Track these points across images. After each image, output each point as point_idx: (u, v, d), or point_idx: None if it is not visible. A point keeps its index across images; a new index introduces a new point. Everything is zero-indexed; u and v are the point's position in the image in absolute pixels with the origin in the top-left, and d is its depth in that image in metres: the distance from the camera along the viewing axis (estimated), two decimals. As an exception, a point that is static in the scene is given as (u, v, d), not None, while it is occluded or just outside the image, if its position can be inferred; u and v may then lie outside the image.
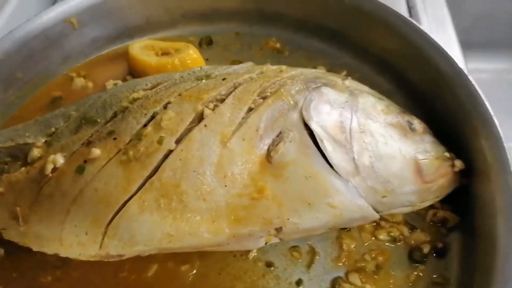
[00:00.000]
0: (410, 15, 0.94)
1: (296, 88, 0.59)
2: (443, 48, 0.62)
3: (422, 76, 0.68)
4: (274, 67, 0.65)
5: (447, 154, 0.58)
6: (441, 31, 0.90)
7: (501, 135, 0.55)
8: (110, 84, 0.69)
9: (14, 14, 0.85)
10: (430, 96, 0.67)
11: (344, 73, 0.77)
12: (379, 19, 0.71)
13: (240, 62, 0.80)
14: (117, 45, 0.82)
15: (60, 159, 0.56)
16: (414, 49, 0.66)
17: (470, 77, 0.58)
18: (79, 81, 0.77)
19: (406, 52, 0.69)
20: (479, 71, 1.73)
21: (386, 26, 0.70)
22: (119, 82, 0.69)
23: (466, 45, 1.82)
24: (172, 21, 0.84)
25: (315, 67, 0.78)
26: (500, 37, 1.72)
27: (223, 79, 0.61)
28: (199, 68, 0.66)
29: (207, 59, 0.81)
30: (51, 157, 0.56)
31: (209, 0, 0.83)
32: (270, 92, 0.59)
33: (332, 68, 0.78)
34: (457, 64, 0.60)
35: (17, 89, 0.73)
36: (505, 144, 0.55)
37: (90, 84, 0.77)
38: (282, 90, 0.59)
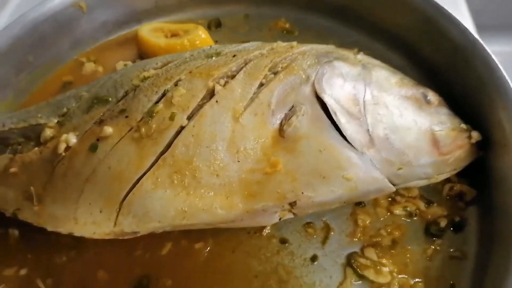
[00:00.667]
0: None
1: (308, 63, 0.59)
2: (456, 19, 0.61)
3: (436, 49, 0.66)
4: (285, 43, 0.65)
5: (463, 126, 0.57)
6: (453, 4, 0.89)
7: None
8: (120, 65, 0.68)
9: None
10: (445, 69, 0.66)
11: (355, 50, 0.75)
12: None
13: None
14: (126, 29, 0.82)
15: (72, 138, 0.56)
16: (426, 21, 0.65)
17: (486, 47, 0.57)
18: (90, 66, 0.77)
19: (418, 25, 0.68)
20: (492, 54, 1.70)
21: (397, 6, 0.69)
22: (129, 63, 0.69)
23: (479, 28, 1.79)
24: (180, 4, 0.84)
25: (326, 46, 0.77)
26: (508, 20, 1.69)
27: (234, 56, 0.60)
28: (209, 47, 0.65)
29: (216, 41, 0.80)
30: (64, 136, 0.55)
31: (216, -18, 0.82)
32: (282, 67, 0.58)
33: (343, 46, 0.76)
34: (472, 34, 0.58)
35: (28, 73, 0.73)
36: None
37: (100, 69, 0.77)
38: (294, 64, 0.58)
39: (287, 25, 0.83)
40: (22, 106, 0.73)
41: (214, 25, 0.84)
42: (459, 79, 0.63)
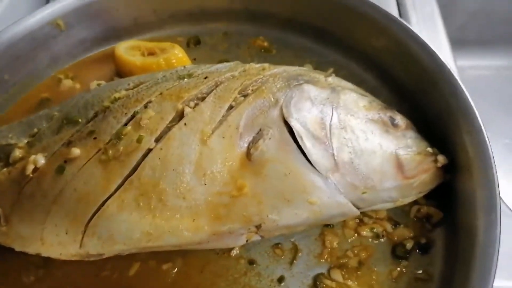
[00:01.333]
0: (400, 13, 0.93)
1: (278, 86, 0.59)
2: (427, 43, 0.62)
3: (406, 71, 0.67)
4: (257, 65, 0.65)
5: (429, 150, 0.58)
6: (431, 27, 0.90)
7: (483, 129, 0.55)
8: (93, 84, 0.69)
9: (3, 17, 0.86)
10: (415, 91, 0.67)
11: (331, 70, 0.76)
12: (364, 15, 0.70)
13: (227, 61, 0.79)
14: (105, 46, 0.82)
15: (41, 160, 0.56)
16: (399, 45, 0.66)
17: (454, 72, 0.58)
18: (67, 83, 0.77)
19: (390, 48, 0.68)
20: (475, 68, 1.72)
21: (371, 23, 0.70)
22: (103, 82, 0.69)
23: (462, 42, 1.81)
24: (160, 21, 0.84)
25: (302, 65, 0.78)
26: (496, 34, 1.71)
27: (205, 78, 0.61)
28: (182, 67, 0.66)
29: (195, 59, 0.81)
30: (32, 157, 0.56)
31: (197, 1, 0.83)
32: (252, 90, 0.59)
33: (320, 66, 0.78)
34: (440, 59, 0.59)
35: (4, 91, 0.73)
36: (487, 138, 0.54)
37: (78, 86, 0.78)
38: (263, 87, 0.59)
39: (265, 44, 0.83)
40: (-2, 122, 0.73)
41: (193, 43, 0.84)
42: (428, 101, 0.64)
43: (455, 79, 0.58)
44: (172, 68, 0.71)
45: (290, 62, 0.79)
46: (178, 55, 0.73)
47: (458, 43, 1.76)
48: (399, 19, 0.66)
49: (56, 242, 0.54)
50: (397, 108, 0.69)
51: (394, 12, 0.93)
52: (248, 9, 0.83)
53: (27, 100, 0.76)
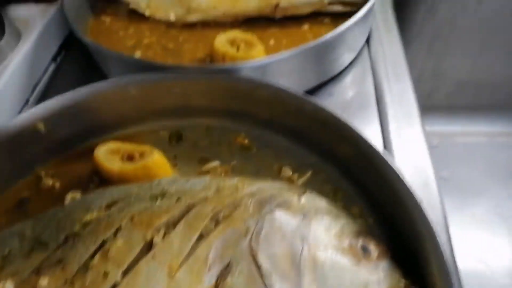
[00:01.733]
0: (378, 104, 0.95)
1: (250, 211, 0.59)
2: (401, 175, 0.61)
3: (380, 189, 0.67)
4: (233, 182, 0.65)
5: (401, 284, 0.57)
6: (409, 120, 0.91)
7: (454, 269, 0.54)
8: (68, 198, 0.69)
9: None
10: (389, 210, 0.67)
11: (309, 173, 0.77)
12: (336, 129, 0.71)
13: (208, 159, 0.81)
14: (87, 141, 0.83)
15: (10, 286, 0.56)
16: (371, 166, 0.66)
17: (426, 211, 0.57)
18: (47, 181, 0.78)
19: (366, 165, 0.69)
20: (466, 135, 1.74)
21: (343, 139, 0.70)
22: (78, 195, 0.70)
23: (453, 108, 1.83)
24: (142, 117, 0.85)
25: (281, 167, 0.79)
26: (486, 101, 1.74)
27: (177, 199, 0.61)
28: (157, 182, 0.66)
29: (175, 156, 0.82)
30: (1, 285, 0.56)
31: (178, 99, 0.84)
32: (223, 216, 0.59)
33: (298, 168, 0.79)
34: (414, 195, 0.59)
35: (-19, 194, 0.73)
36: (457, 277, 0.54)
37: (58, 184, 0.78)
38: (235, 213, 0.59)
39: (246, 141, 0.84)
40: (-25, 223, 0.73)
41: (175, 139, 0.85)
42: (402, 225, 0.64)
43: (427, 218, 0.57)
44: (150, 174, 0.72)
45: (270, 162, 0.81)
46: (156, 160, 0.74)
47: (448, 109, 1.78)
48: (371, 141, 0.67)
49: None
50: (373, 218, 0.70)
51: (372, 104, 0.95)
52: (229, 108, 0.84)
53: (6, 200, 0.76)
